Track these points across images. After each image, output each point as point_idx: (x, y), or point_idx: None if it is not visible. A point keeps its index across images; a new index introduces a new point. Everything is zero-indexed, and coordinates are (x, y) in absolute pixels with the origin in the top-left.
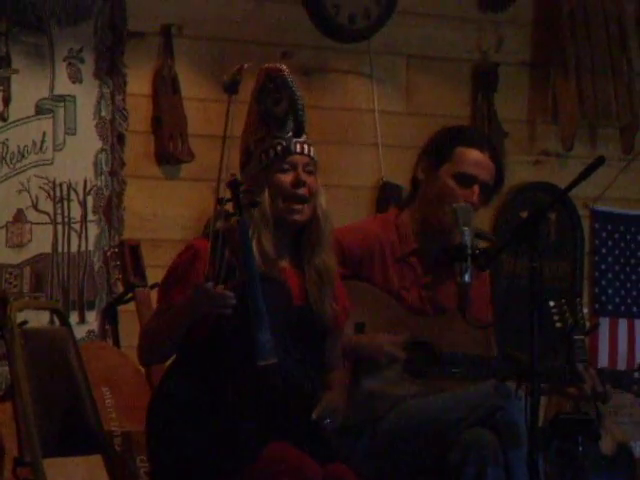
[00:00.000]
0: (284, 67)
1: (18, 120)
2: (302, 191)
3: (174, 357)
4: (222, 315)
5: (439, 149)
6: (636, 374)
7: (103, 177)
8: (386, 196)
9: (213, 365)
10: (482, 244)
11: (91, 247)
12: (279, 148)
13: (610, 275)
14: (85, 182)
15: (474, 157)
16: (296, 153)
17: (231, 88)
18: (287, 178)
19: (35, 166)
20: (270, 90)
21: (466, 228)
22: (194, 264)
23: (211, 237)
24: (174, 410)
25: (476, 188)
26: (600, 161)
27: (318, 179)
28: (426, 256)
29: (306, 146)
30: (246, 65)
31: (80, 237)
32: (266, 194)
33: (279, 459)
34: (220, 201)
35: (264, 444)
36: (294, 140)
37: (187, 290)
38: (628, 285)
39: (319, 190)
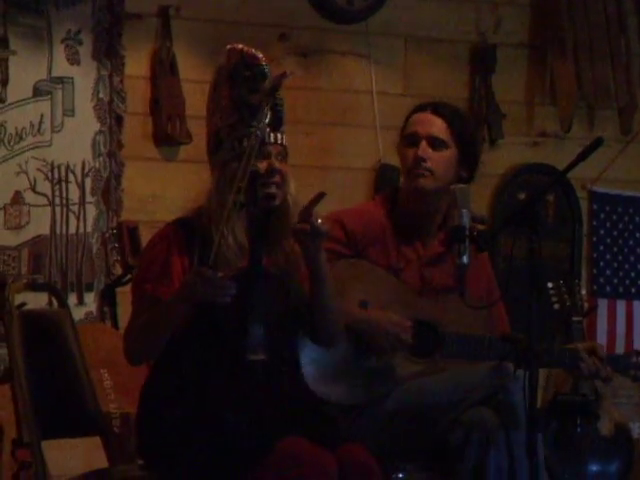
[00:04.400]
0: (261, 55)
1: (16, 102)
2: (276, 179)
3: None
4: (216, 305)
5: (402, 127)
6: (633, 358)
7: (101, 159)
8: (384, 178)
9: (201, 355)
10: (479, 226)
11: (89, 229)
12: (253, 139)
13: (608, 256)
14: (83, 164)
15: (415, 118)
16: (270, 143)
17: (270, 94)
18: (261, 166)
19: (33, 148)
20: (246, 77)
21: (464, 209)
22: (172, 255)
23: (222, 227)
24: (164, 405)
25: (423, 143)
26: (598, 142)
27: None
28: (425, 234)
29: (279, 135)
30: (289, 72)
31: (78, 219)
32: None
33: (294, 453)
34: (238, 191)
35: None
36: (268, 130)
37: (171, 283)
38: (626, 267)
39: (290, 176)
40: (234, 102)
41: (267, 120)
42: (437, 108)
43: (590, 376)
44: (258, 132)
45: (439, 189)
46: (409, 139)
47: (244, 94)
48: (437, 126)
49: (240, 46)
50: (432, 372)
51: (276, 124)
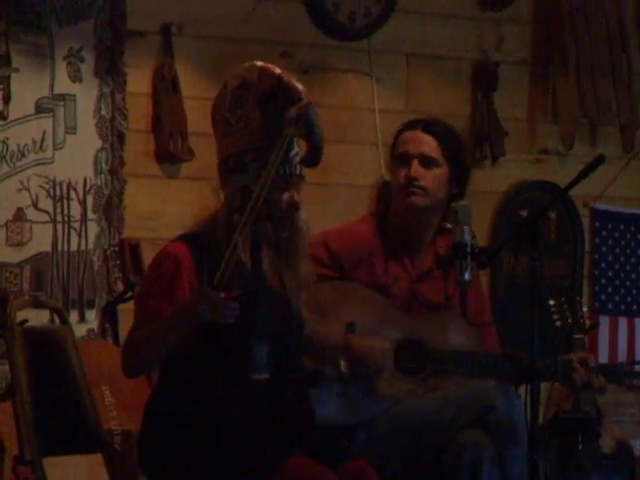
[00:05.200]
0: (301, 87)
1: (18, 119)
2: (293, 212)
3: (165, 366)
4: (220, 325)
5: (392, 145)
6: (626, 367)
7: (103, 176)
8: (387, 194)
9: (205, 374)
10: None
11: (91, 246)
12: (281, 170)
13: (610, 274)
14: (85, 181)
15: (405, 137)
16: (296, 175)
17: (291, 123)
18: (285, 196)
19: (35, 165)
20: (284, 108)
21: (466, 226)
22: (179, 273)
23: (230, 247)
24: (167, 423)
25: (414, 162)
26: (600, 160)
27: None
28: (415, 251)
29: (303, 167)
30: (313, 103)
31: (80, 236)
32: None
33: (298, 473)
34: (240, 212)
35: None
36: (296, 161)
37: (175, 301)
38: (628, 284)
39: (302, 205)
40: (266, 129)
41: (295, 151)
42: (427, 126)
43: (583, 386)
44: (287, 164)
45: (431, 207)
46: (400, 158)
47: (279, 124)
48: (428, 145)
49: (278, 71)
50: (423, 391)
51: (315, 162)
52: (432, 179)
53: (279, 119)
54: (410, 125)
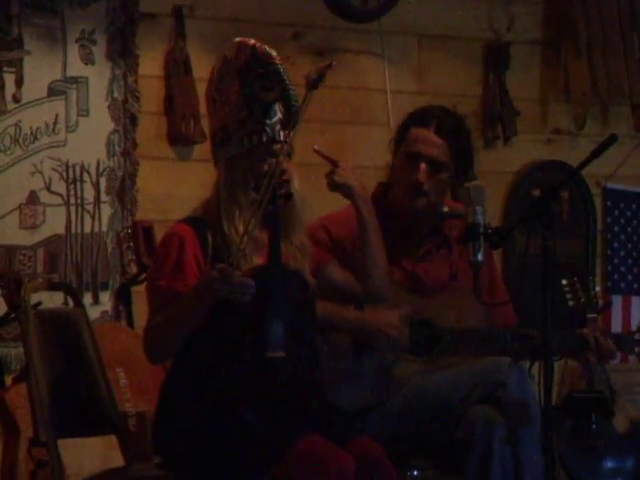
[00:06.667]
0: (275, 54)
1: (31, 102)
2: (285, 177)
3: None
4: (236, 303)
5: (399, 132)
6: (637, 335)
7: (116, 158)
8: None
9: (220, 353)
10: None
11: (104, 228)
12: (264, 137)
13: (622, 253)
14: (98, 163)
15: (418, 134)
16: (279, 141)
17: (314, 85)
18: (267, 165)
19: (48, 148)
20: (259, 75)
21: (479, 207)
22: (185, 251)
23: (245, 225)
24: (182, 403)
25: (422, 165)
26: (612, 139)
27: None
28: (415, 233)
29: (288, 132)
30: (334, 63)
31: (93, 218)
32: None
33: (312, 452)
34: (257, 190)
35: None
36: (277, 128)
37: (185, 277)
38: None
39: (294, 173)
40: (245, 98)
41: (277, 118)
42: (440, 127)
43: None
44: (268, 130)
45: (432, 206)
46: (410, 157)
47: (256, 91)
48: (439, 148)
49: (252, 42)
50: (432, 370)
51: (291, 123)
52: (437, 185)
53: (256, 86)
54: (422, 121)
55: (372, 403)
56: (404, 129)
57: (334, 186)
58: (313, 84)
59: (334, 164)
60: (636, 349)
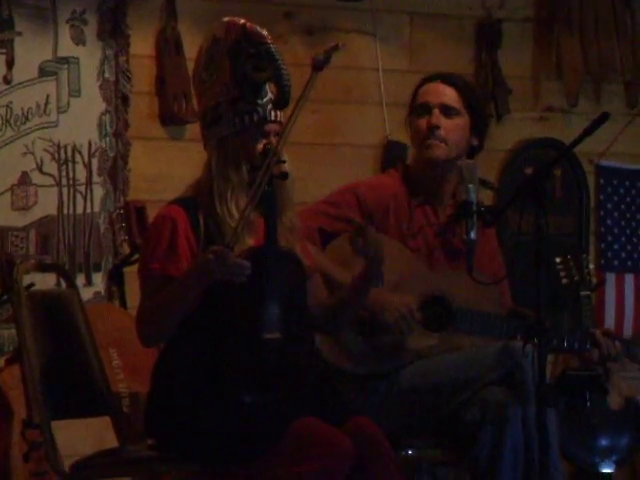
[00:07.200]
0: (266, 33)
1: (22, 83)
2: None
3: None
4: (231, 284)
5: (410, 104)
6: None
7: (108, 139)
8: (391, 154)
9: (216, 334)
10: (487, 196)
11: (97, 209)
12: (255, 117)
13: (616, 230)
14: (90, 144)
15: (425, 89)
16: (271, 121)
17: (321, 66)
18: (260, 145)
19: (39, 128)
20: (250, 54)
21: (471, 185)
22: (178, 233)
23: (244, 206)
24: (176, 384)
25: (435, 111)
26: (604, 117)
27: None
28: (437, 203)
29: (279, 113)
30: (341, 44)
31: (85, 199)
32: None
33: (309, 433)
34: (252, 169)
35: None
36: (269, 107)
37: (179, 259)
38: (634, 240)
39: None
40: (236, 78)
41: (268, 97)
42: (446, 78)
43: (601, 361)
44: (259, 109)
45: (452, 158)
46: (421, 109)
47: (248, 71)
48: (448, 95)
49: (242, 21)
50: (445, 347)
51: (284, 103)
52: (453, 128)
53: (247, 67)
54: (429, 78)
55: (383, 370)
56: (413, 96)
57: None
58: (319, 65)
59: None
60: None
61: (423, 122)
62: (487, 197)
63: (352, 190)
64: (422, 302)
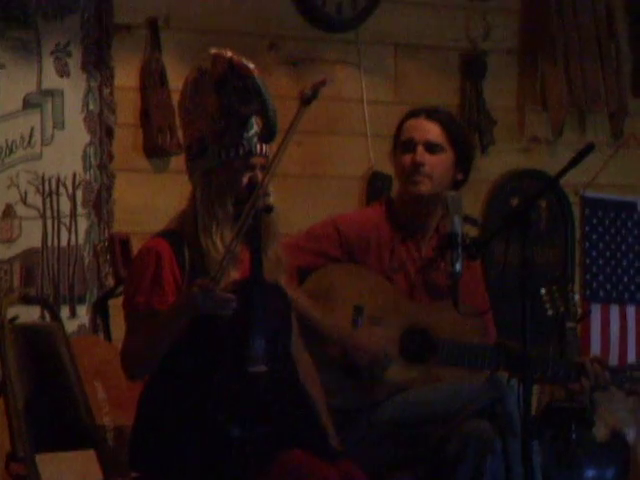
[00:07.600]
0: (252, 66)
1: (6, 115)
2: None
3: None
4: (216, 318)
5: (395, 135)
6: (627, 372)
7: (92, 171)
8: (376, 186)
9: (201, 367)
10: (470, 229)
11: (81, 241)
12: (241, 150)
13: (601, 261)
14: (74, 176)
15: (408, 125)
16: (257, 155)
17: (308, 101)
18: (245, 179)
19: (24, 161)
20: (237, 88)
21: (456, 216)
22: (162, 267)
23: (230, 239)
24: (162, 416)
25: (419, 148)
26: (589, 148)
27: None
28: (420, 238)
29: (265, 146)
30: (328, 80)
31: (70, 231)
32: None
33: (295, 466)
34: (237, 203)
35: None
36: (255, 141)
37: (164, 293)
38: (619, 271)
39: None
40: (222, 111)
41: (254, 131)
42: (431, 113)
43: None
44: (245, 143)
45: (436, 193)
46: (405, 145)
47: (234, 104)
48: (433, 131)
49: (229, 54)
50: (426, 379)
51: (270, 137)
52: (437, 164)
53: (234, 100)
54: (413, 113)
55: (363, 404)
56: (397, 131)
57: None
58: (307, 100)
59: None
60: (626, 385)
61: (408, 158)
62: (472, 230)
63: (333, 224)
64: (404, 335)
